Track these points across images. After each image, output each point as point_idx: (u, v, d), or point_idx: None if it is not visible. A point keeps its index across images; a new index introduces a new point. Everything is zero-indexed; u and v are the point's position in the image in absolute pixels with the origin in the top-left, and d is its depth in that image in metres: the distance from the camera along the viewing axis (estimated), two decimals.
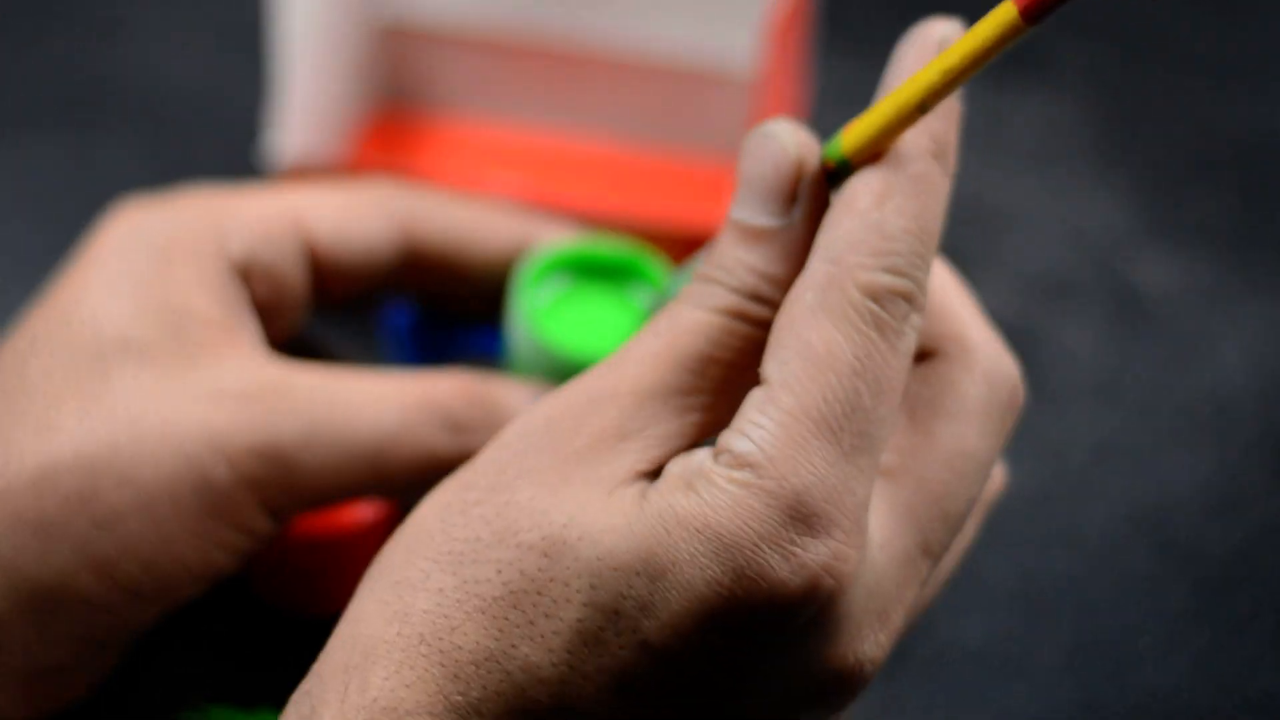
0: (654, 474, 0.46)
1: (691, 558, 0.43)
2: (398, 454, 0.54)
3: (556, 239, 0.62)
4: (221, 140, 0.87)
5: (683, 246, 0.74)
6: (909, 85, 0.45)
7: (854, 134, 0.47)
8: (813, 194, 0.47)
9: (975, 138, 0.91)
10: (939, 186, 0.46)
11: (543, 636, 0.44)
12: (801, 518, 0.43)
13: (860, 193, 0.46)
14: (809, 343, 0.44)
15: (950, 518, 0.47)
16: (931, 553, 0.47)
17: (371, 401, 0.55)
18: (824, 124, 0.91)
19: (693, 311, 0.47)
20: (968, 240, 0.85)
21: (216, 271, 0.57)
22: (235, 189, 0.60)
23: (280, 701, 0.64)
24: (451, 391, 0.55)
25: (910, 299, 0.45)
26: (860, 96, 0.93)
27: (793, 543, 0.43)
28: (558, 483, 0.45)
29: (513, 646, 0.44)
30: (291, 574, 0.64)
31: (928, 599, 0.53)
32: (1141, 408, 0.77)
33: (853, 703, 0.47)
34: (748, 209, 0.47)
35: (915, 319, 0.45)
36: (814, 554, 0.43)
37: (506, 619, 0.44)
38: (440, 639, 0.44)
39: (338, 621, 0.48)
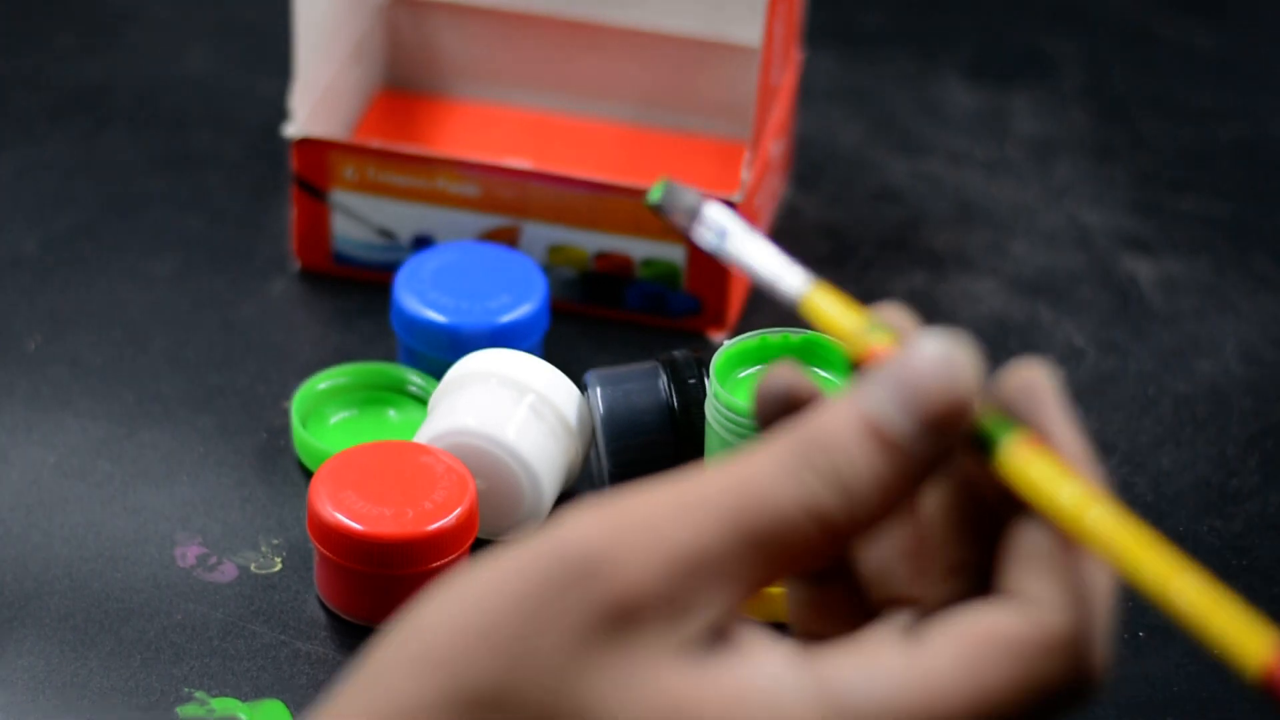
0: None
1: None
2: None
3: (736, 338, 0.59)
4: (227, 136, 0.88)
5: None
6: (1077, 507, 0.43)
7: (1023, 474, 0.44)
8: (948, 436, 0.43)
9: (976, 138, 0.91)
10: None
11: None
12: None
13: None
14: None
15: None
16: None
17: None
18: (819, 119, 0.91)
19: (788, 494, 0.43)
20: (968, 240, 0.85)
21: None
22: None
23: (285, 697, 0.65)
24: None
25: None
26: (852, 93, 0.94)
27: None
28: (591, 645, 0.42)
29: None
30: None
31: None
32: (1140, 405, 0.77)
33: None
34: (890, 405, 0.43)
35: None
36: None
37: None
38: None
39: (370, 652, 0.46)
